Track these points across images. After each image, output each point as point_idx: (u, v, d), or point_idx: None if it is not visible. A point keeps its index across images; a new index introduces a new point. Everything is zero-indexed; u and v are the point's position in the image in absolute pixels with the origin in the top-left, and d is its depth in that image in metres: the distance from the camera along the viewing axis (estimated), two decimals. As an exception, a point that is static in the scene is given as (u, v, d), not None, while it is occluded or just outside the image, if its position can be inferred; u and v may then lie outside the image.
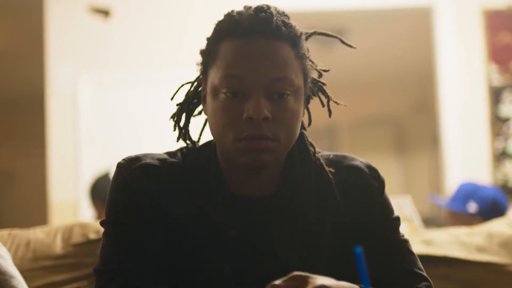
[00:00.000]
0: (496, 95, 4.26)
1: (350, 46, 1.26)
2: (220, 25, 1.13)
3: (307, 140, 1.22)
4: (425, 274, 1.17)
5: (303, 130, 1.22)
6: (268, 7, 1.12)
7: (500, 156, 4.23)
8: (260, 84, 1.07)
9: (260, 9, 1.11)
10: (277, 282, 0.90)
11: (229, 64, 1.09)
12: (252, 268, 1.12)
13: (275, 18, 1.10)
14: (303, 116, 1.20)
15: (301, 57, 1.13)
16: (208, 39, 1.15)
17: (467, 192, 2.91)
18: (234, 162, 1.12)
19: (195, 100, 1.23)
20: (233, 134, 1.08)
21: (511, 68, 4.28)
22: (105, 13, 4.29)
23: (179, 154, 1.20)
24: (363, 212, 1.18)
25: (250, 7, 1.13)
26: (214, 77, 1.11)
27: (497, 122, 4.25)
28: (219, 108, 1.09)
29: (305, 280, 0.91)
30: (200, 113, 1.24)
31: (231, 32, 1.10)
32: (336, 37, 1.24)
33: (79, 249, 1.67)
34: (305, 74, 1.14)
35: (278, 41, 1.09)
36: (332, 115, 1.22)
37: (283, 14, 1.14)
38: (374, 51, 6.08)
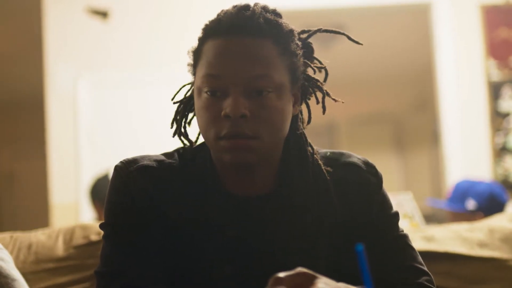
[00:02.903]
0: (495, 91, 4.26)
1: (357, 42, 1.24)
2: (206, 25, 1.14)
3: (306, 139, 1.21)
4: (425, 268, 1.17)
5: (302, 130, 1.21)
6: (255, 5, 1.12)
7: (500, 151, 4.24)
8: (238, 82, 1.07)
9: (243, 8, 1.11)
10: (281, 275, 0.89)
11: (209, 63, 1.09)
12: (251, 267, 1.12)
13: (256, 15, 1.09)
14: (301, 114, 1.19)
15: (288, 54, 1.11)
16: (198, 39, 1.16)
17: (463, 190, 2.90)
18: (220, 160, 1.12)
19: (192, 101, 1.22)
20: (214, 133, 1.09)
21: (510, 63, 4.28)
22: (103, 14, 4.28)
23: (176, 155, 1.20)
24: (362, 209, 1.18)
25: (236, 5, 1.13)
26: (198, 76, 1.12)
27: (497, 117, 4.25)
28: (202, 107, 1.10)
29: (310, 279, 0.90)
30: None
31: (213, 32, 1.11)
32: (343, 33, 1.23)
33: (81, 251, 1.67)
34: (293, 71, 1.12)
35: (258, 38, 1.08)
36: (331, 112, 1.22)
37: (271, 11, 1.13)
38: (372, 48, 6.07)
